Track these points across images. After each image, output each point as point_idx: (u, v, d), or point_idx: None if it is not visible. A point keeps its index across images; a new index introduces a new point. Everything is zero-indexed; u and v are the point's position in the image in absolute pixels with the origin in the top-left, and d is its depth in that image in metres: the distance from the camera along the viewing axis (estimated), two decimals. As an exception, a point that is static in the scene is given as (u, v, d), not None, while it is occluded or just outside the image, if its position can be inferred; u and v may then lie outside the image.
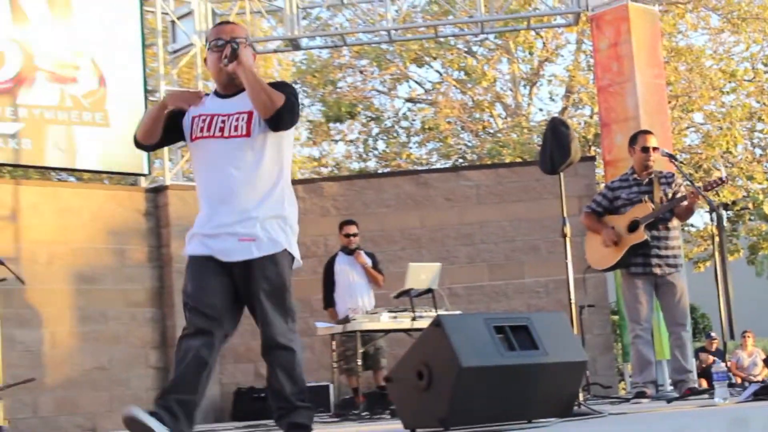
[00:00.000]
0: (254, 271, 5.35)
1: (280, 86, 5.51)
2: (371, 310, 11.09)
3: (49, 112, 13.38)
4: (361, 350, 10.90)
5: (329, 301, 11.70)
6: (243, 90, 5.42)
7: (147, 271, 14.80)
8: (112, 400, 12.92)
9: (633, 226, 8.98)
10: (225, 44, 5.41)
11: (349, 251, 11.78)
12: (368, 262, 11.73)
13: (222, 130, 5.45)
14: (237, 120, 5.44)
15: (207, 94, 5.61)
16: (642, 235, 8.90)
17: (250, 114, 5.42)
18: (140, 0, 15.16)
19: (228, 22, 5.94)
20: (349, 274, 11.68)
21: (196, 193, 5.63)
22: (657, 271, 9.01)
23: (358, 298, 11.51)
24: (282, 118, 5.35)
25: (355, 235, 11.83)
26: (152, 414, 5.04)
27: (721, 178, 8.96)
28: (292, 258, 5.52)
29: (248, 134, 5.42)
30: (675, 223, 9.16)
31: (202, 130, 5.48)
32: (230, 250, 5.36)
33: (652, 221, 8.93)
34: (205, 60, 5.72)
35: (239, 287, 5.40)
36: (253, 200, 5.40)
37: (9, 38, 13.22)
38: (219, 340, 5.38)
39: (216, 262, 5.37)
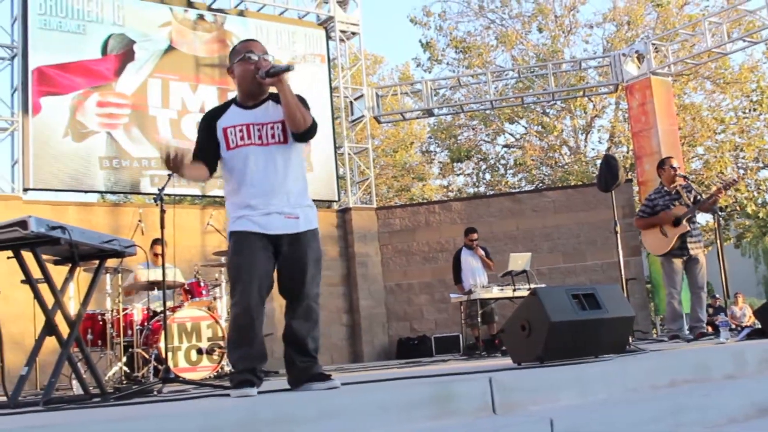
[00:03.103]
0: (302, 242, 4.23)
1: (302, 101, 4.32)
2: (486, 285, 11.08)
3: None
4: (480, 311, 10.92)
5: (458, 279, 11.70)
6: (265, 101, 4.31)
7: (338, 263, 14.93)
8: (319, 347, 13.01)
9: (676, 222, 8.62)
10: (258, 59, 4.21)
11: (471, 248, 11.73)
12: (483, 253, 11.67)
13: (260, 137, 4.22)
14: (272, 129, 4.24)
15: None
16: (686, 227, 8.48)
17: (282, 123, 4.25)
18: (330, 89, 15.34)
19: (255, 40, 4.41)
20: (471, 262, 11.65)
21: (234, 198, 4.29)
22: (691, 252, 8.63)
23: (477, 277, 11.47)
24: (309, 134, 4.29)
25: (476, 239, 11.78)
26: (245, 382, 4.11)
27: (734, 179, 8.64)
28: None
29: (285, 141, 4.26)
30: (697, 218, 8.82)
31: (242, 138, 4.22)
32: (279, 226, 4.17)
33: (688, 216, 8.62)
34: (236, 75, 4.34)
35: (284, 257, 4.23)
36: (294, 194, 4.25)
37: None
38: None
39: (262, 237, 4.19)
